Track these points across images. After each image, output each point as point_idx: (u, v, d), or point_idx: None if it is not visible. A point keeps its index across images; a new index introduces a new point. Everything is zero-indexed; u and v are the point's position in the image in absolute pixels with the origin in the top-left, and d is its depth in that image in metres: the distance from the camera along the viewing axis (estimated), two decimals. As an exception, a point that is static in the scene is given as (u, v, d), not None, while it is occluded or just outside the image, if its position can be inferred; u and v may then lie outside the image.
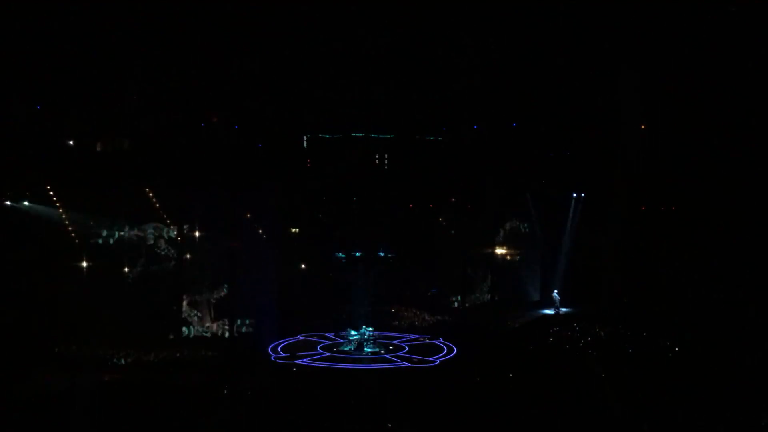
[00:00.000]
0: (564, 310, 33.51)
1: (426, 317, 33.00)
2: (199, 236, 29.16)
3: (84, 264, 26.56)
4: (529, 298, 36.03)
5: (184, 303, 28.85)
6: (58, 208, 25.35)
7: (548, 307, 34.23)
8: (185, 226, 28.78)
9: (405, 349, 27.51)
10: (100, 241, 27.16)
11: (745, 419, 18.08)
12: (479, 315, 33.77)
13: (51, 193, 25.40)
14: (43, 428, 17.70)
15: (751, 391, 19.97)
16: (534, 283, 36.27)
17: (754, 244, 27.31)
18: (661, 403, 19.56)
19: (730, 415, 18.29)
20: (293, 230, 34.08)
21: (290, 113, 30.48)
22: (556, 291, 33.87)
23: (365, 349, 27.18)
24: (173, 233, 28.38)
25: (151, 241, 28.16)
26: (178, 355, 25.53)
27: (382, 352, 27.14)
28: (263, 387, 21.47)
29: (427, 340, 29.05)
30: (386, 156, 34.66)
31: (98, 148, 28.46)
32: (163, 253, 28.42)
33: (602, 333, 28.18)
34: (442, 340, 28.79)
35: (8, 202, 25.03)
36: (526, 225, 36.16)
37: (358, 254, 32.58)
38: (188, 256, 28.92)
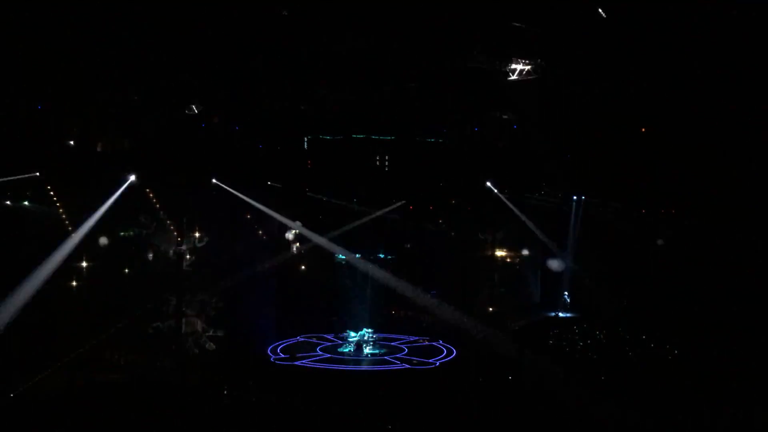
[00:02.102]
0: (562, 314, 33.62)
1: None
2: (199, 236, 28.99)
3: (84, 264, 26.38)
4: (530, 300, 36.02)
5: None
6: (58, 207, 25.21)
7: (549, 310, 34.30)
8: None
9: (404, 350, 27.55)
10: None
11: (745, 420, 18.06)
12: (479, 317, 33.67)
13: (51, 193, 25.28)
14: (43, 428, 17.69)
15: (751, 393, 19.94)
16: (535, 286, 36.27)
17: (755, 245, 27.27)
18: (662, 407, 19.55)
19: (730, 417, 18.29)
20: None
21: (291, 114, 30.42)
22: (566, 293, 34.05)
23: (365, 351, 27.15)
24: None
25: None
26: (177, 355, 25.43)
27: (383, 352, 27.15)
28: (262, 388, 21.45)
29: (426, 342, 29.05)
30: (386, 157, 34.65)
31: (99, 149, 28.39)
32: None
33: (602, 336, 28.15)
34: (441, 342, 28.78)
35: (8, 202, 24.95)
36: (527, 227, 36.07)
37: (357, 256, 32.48)
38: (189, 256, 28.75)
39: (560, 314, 33.54)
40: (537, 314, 33.98)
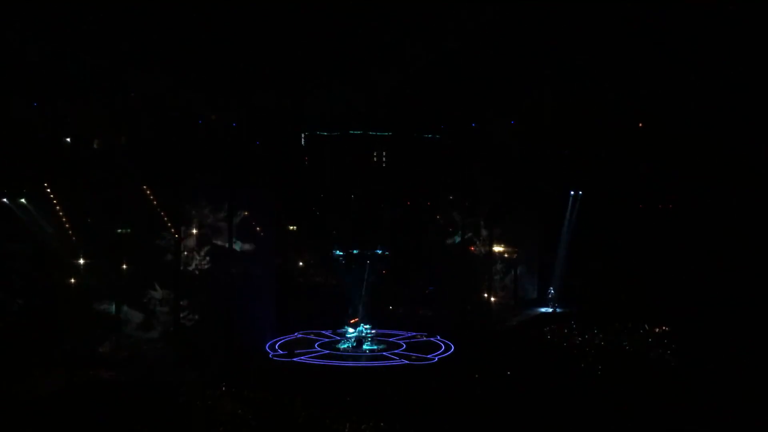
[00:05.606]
0: (543, 310, 33.97)
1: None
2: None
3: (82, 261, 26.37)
4: (527, 296, 36.13)
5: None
6: (56, 206, 25.16)
7: (545, 306, 34.50)
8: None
9: (403, 346, 27.66)
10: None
11: (744, 420, 18.18)
12: (477, 313, 33.79)
13: (50, 192, 25.23)
14: (43, 428, 17.75)
15: (749, 391, 20.07)
16: (532, 282, 36.36)
17: (752, 244, 27.37)
18: (657, 402, 19.68)
19: (727, 414, 18.42)
20: (291, 228, 34.16)
21: (288, 111, 30.45)
22: (552, 289, 34.22)
23: (364, 347, 27.34)
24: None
25: None
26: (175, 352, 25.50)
27: (381, 347, 27.30)
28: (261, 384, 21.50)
29: (424, 338, 29.14)
30: (384, 153, 34.67)
31: (96, 146, 28.35)
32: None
33: (599, 332, 28.30)
34: (439, 337, 28.88)
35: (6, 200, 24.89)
36: (523, 223, 36.12)
37: (355, 251, 32.54)
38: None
39: (543, 310, 33.93)
40: (532, 311, 34.16)
